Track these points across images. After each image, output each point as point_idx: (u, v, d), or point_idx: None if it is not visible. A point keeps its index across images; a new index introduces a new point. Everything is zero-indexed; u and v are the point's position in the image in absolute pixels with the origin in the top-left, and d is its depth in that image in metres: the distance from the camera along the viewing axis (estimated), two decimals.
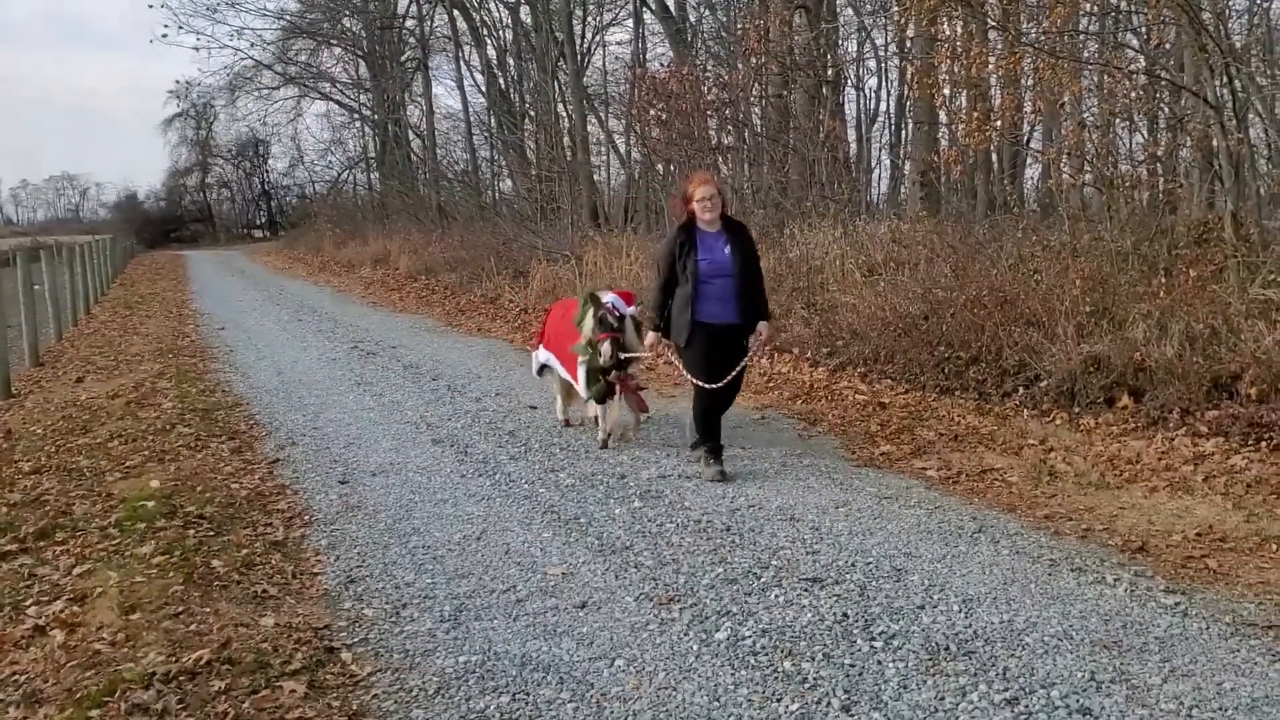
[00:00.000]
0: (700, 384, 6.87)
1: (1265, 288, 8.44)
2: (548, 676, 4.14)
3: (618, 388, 7.82)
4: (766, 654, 4.25)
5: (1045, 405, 8.28)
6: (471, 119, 35.22)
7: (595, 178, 28.42)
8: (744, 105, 20.56)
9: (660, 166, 21.86)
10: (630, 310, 7.86)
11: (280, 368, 12.74)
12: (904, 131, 24.40)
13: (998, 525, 5.87)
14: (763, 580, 5.08)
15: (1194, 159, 11.98)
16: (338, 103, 45.78)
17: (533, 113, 31.31)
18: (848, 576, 5.08)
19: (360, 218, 39.17)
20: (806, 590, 4.92)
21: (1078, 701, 3.74)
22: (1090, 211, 12.57)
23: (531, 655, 4.34)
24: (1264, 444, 6.75)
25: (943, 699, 3.80)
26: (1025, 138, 18.23)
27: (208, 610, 4.80)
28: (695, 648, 4.35)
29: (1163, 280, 9.31)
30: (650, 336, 7.25)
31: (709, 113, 19.59)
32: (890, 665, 4.09)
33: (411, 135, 40.55)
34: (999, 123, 13.08)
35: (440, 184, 35.26)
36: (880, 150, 23.75)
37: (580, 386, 8.03)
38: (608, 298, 7.80)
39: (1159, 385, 7.77)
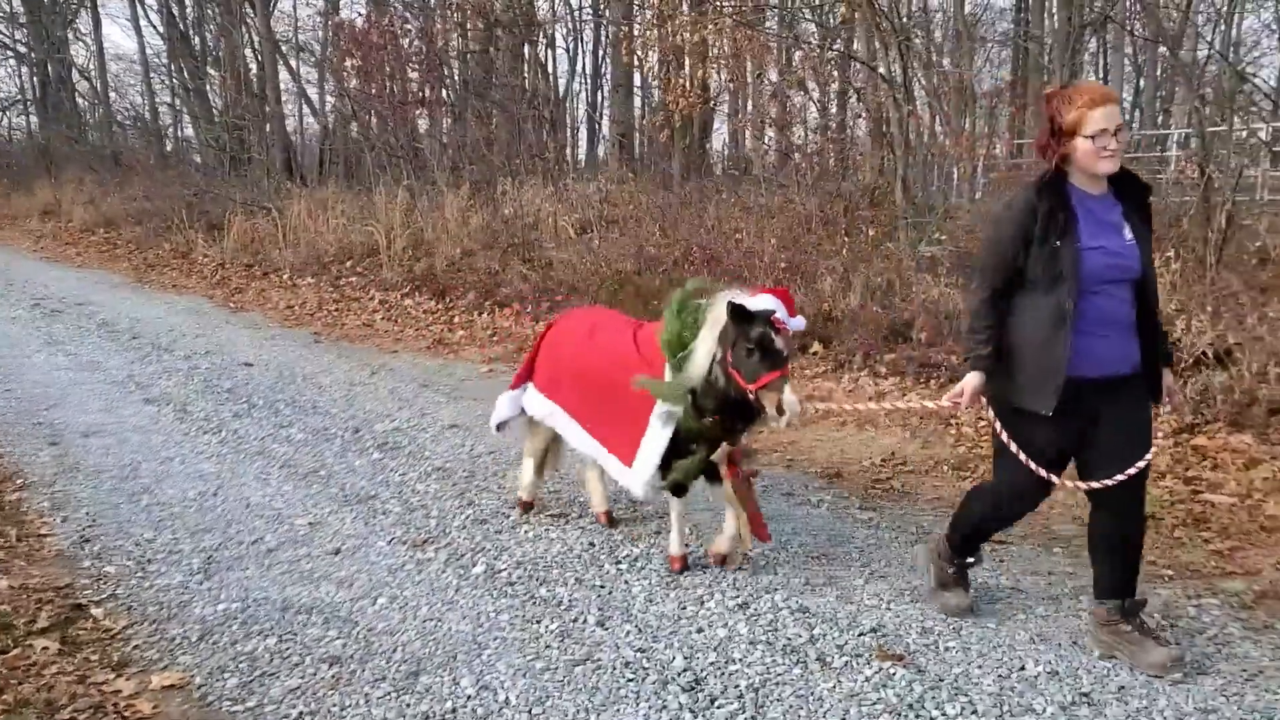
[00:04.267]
0: (1047, 475, 3.73)
1: (930, 246, 9.58)
2: (312, 617, 4.27)
3: (726, 474, 4.50)
4: (523, 583, 4.57)
5: None
6: (150, 62, 32.87)
7: (288, 128, 27.45)
8: (446, 59, 20.51)
9: (357, 119, 21.47)
10: (798, 323, 4.25)
11: None
12: (600, 94, 25.17)
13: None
14: (511, 519, 5.39)
15: (869, 128, 13.25)
16: None
17: (218, 56, 29.64)
18: (589, 512, 5.47)
19: (17, 166, 35.64)
20: (554, 525, 5.28)
21: (797, 603, 4.31)
22: (781, 176, 13.62)
23: (292, 599, 4.44)
24: (933, 382, 7.74)
25: (685, 608, 4.27)
26: (714, 102, 19.29)
27: None
28: (454, 582, 4.60)
29: (845, 239, 10.35)
30: (972, 379, 3.76)
31: (410, 65, 19.44)
32: (636, 584, 4.52)
33: (78, 77, 37.29)
34: (695, 88, 13.87)
35: (113, 130, 32.75)
36: (582, 111, 24.35)
37: (639, 470, 4.50)
38: (761, 302, 4.08)
39: (845, 333, 8.68)
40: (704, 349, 4.20)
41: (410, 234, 14.65)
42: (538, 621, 4.18)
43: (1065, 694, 3.54)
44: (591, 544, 4.99)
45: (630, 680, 3.67)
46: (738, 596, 4.37)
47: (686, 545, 4.74)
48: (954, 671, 3.71)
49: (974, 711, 3.43)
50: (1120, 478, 3.58)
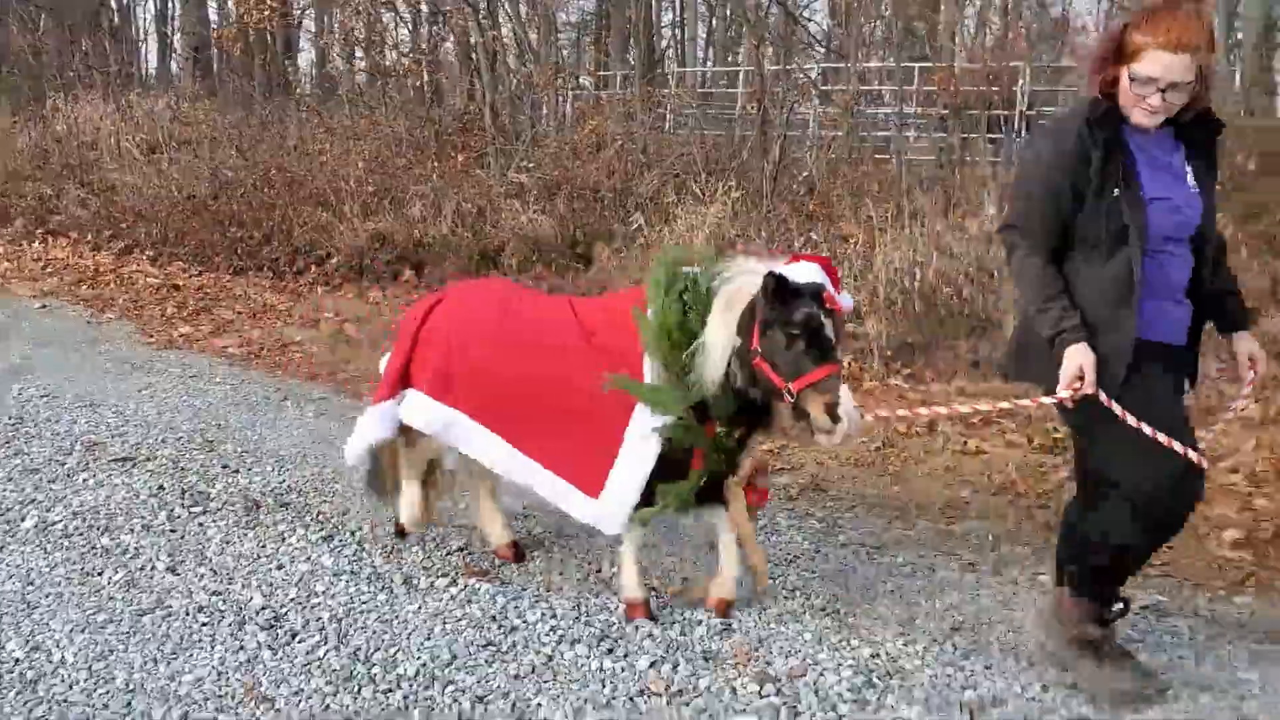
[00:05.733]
0: (1184, 448, 2.80)
1: (518, 173, 9.75)
2: None
3: (743, 497, 3.49)
4: (82, 534, 4.21)
5: (337, 280, 8.85)
6: None
7: None
8: None
9: None
10: (847, 302, 3.28)
11: None
12: (170, 1, 23.20)
13: (302, 392, 6.30)
14: (68, 466, 4.93)
15: (456, 53, 13.19)
16: None
17: None
18: (160, 453, 5.13)
19: None
20: (118, 470, 4.89)
21: (384, 530, 4.28)
22: (367, 97, 13.26)
23: None
24: None
25: (265, 546, 4.13)
26: (297, 18, 18.37)
27: None
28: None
29: (435, 164, 10.30)
30: (1084, 355, 2.85)
31: None
32: (212, 526, 4.30)
33: None
34: (271, 0, 13.14)
35: None
36: (149, 20, 22.32)
37: (615, 500, 3.38)
38: (804, 272, 3.11)
39: (436, 259, 8.68)
40: (721, 338, 3.14)
41: None
42: (99, 573, 3.87)
43: (679, 614, 3.77)
44: (161, 488, 4.68)
45: (204, 624, 3.50)
46: (321, 530, 4.29)
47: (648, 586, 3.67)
48: (536, 580, 3.86)
49: (553, 615, 3.58)
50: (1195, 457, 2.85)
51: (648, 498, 3.35)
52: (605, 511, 3.38)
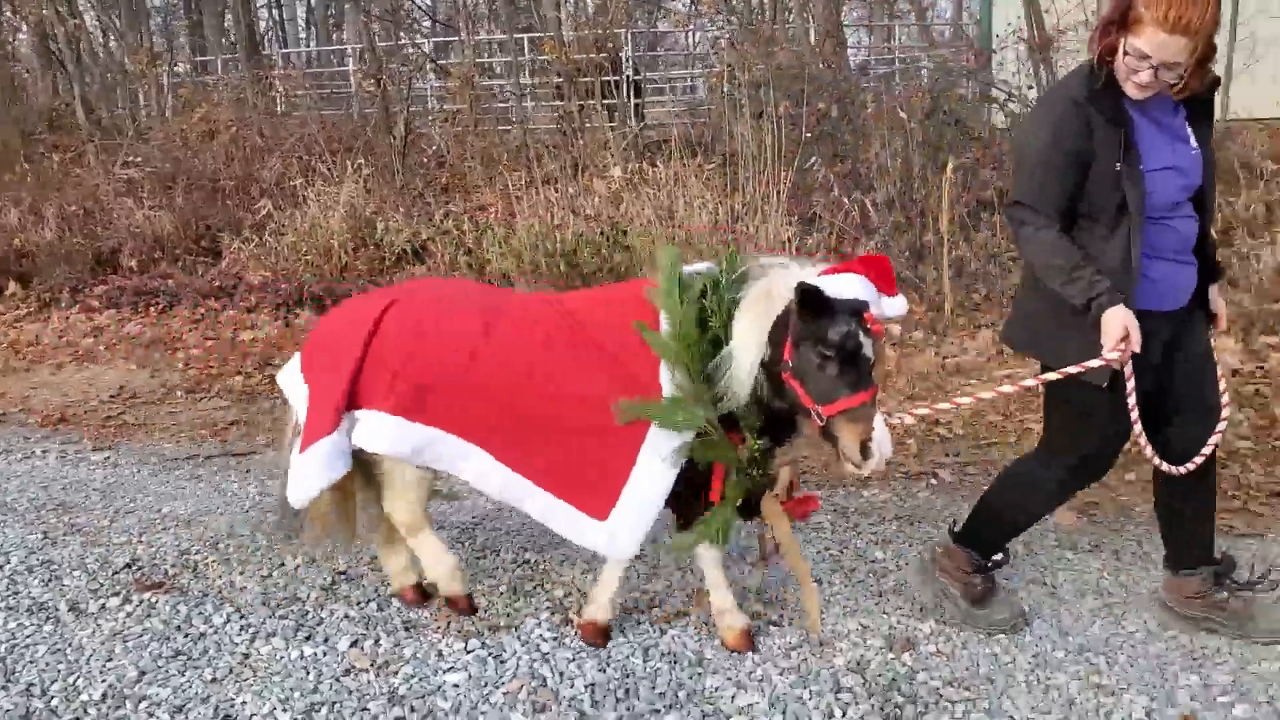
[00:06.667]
0: (1168, 467, 3.05)
1: (126, 167, 9.11)
2: None
3: (783, 509, 3.12)
4: None
5: None
6: None
7: None
8: None
9: None
10: (898, 305, 2.98)
11: None
12: None
13: None
14: None
15: (33, 44, 12.03)
16: None
17: None
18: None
19: None
20: None
21: (37, 559, 4.00)
22: None
23: None
24: (151, 309, 7.49)
25: None
26: None
27: None
28: None
29: (26, 167, 9.42)
30: (1121, 315, 2.80)
31: None
32: None
33: None
34: None
35: None
36: None
37: (628, 523, 3.01)
38: (844, 285, 2.77)
39: (45, 269, 7.99)
40: (750, 348, 2.83)
41: None
42: None
43: (372, 591, 3.76)
44: None
45: None
46: None
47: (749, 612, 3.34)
48: (218, 584, 3.75)
49: (240, 615, 3.50)
50: (1206, 450, 3.01)
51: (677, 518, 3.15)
52: (615, 536, 3.03)
